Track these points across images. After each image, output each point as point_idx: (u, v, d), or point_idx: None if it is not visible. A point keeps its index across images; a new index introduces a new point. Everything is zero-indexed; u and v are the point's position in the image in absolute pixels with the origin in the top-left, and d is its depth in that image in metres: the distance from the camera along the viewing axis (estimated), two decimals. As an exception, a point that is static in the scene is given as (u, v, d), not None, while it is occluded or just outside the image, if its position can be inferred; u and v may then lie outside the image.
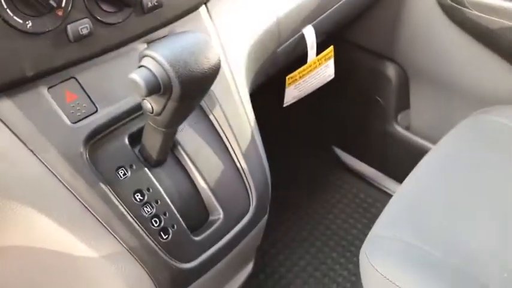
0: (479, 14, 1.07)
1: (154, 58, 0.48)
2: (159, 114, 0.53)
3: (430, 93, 1.33)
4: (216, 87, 0.68)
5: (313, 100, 1.53)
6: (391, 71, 1.35)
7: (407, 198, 0.87)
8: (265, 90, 1.06)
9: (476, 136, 0.98)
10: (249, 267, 0.83)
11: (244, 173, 0.69)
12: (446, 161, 0.93)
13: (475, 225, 0.80)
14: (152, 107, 0.52)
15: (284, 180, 1.46)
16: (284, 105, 0.95)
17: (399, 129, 1.39)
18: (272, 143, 1.02)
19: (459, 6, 1.10)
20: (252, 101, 0.76)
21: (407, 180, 0.91)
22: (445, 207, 0.83)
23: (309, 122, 1.64)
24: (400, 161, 1.38)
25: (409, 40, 1.28)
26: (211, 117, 0.69)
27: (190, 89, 0.50)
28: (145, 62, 0.48)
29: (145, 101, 0.52)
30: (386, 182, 1.50)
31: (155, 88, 0.48)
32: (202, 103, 0.68)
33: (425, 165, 0.93)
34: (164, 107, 0.51)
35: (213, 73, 0.51)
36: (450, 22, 1.15)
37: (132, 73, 0.47)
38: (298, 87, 0.93)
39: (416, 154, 1.05)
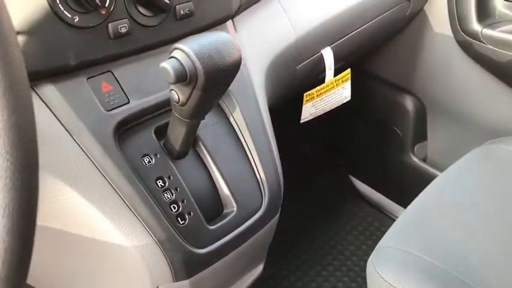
0: (494, 48, 1.12)
1: (183, 50, 0.54)
2: (184, 104, 0.58)
3: (447, 125, 1.36)
4: (237, 92, 0.75)
5: (331, 127, 1.59)
6: (409, 102, 1.39)
7: (415, 214, 0.90)
8: (284, 112, 1.12)
9: (486, 163, 1.01)
10: (259, 269, 0.86)
11: (259, 173, 0.73)
12: (454, 184, 0.96)
13: (481, 241, 0.82)
14: (178, 97, 0.58)
15: (297, 204, 1.50)
16: (301, 121, 1.00)
17: (416, 160, 1.42)
18: (288, 167, 1.07)
19: (475, 41, 1.15)
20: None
21: (415, 200, 0.94)
22: (452, 224, 0.86)
23: (325, 148, 1.68)
24: (417, 192, 1.40)
25: (426, 73, 1.33)
26: (231, 119, 0.74)
27: (213, 80, 0.55)
28: (175, 53, 0.54)
29: (173, 91, 0.58)
30: (401, 213, 1.51)
31: (182, 76, 0.53)
32: (223, 105, 0.74)
33: (433, 188, 0.96)
34: (189, 96, 0.57)
35: (234, 67, 0.56)
36: (466, 56, 1.20)
37: (164, 62, 0.53)
38: (315, 105, 0.98)
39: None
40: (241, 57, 0.57)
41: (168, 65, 0.53)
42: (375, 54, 1.40)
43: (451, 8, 1.18)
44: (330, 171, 1.69)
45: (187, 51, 0.54)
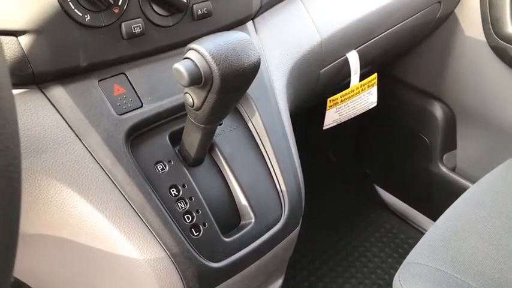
0: (531, 52, 1.06)
1: (198, 51, 0.50)
2: (199, 108, 0.54)
3: (478, 133, 1.30)
4: (256, 97, 0.71)
5: (356, 135, 1.54)
6: (438, 110, 1.33)
7: (445, 229, 0.84)
8: (308, 119, 1.07)
9: None
10: (279, 283, 0.81)
11: (279, 182, 0.69)
12: (485, 197, 0.90)
13: (510, 259, 0.76)
14: (193, 101, 0.54)
15: (320, 213, 1.45)
16: (324, 128, 0.95)
17: (445, 170, 1.36)
18: (312, 175, 1.02)
19: (510, 45, 1.09)
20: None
21: (445, 213, 0.89)
22: (486, 241, 0.80)
23: (351, 156, 1.63)
24: (445, 204, 1.34)
25: (457, 79, 1.27)
26: (249, 124, 0.70)
27: (230, 83, 0.51)
28: (190, 54, 0.51)
29: (187, 94, 0.54)
30: (429, 225, 1.45)
31: (197, 78, 0.50)
32: (242, 110, 0.70)
33: (464, 201, 0.91)
34: (204, 100, 0.53)
35: (252, 70, 0.52)
36: (500, 61, 1.14)
37: (177, 63, 0.50)
38: (339, 111, 0.93)
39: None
40: (260, 59, 0.53)
41: (181, 66, 0.49)
42: (403, 58, 1.34)
43: (484, 11, 1.12)
44: (355, 180, 1.63)
45: (202, 52, 0.50)
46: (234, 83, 0.52)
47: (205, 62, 0.50)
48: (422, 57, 1.32)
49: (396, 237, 1.45)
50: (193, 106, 0.55)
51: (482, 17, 1.14)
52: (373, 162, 1.58)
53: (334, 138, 1.29)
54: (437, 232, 0.84)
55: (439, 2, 1.10)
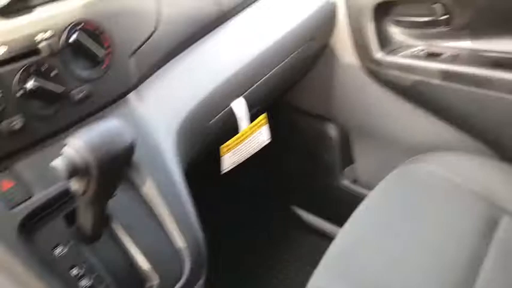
0: (396, 72, 1.19)
1: (72, 146, 0.55)
2: (84, 193, 0.59)
3: (370, 147, 1.43)
4: (146, 163, 0.76)
5: (266, 162, 1.62)
6: (332, 130, 1.45)
7: (342, 248, 0.93)
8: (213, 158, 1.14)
9: (404, 184, 1.06)
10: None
11: (178, 240, 0.74)
12: (375, 209, 1.00)
13: (401, 268, 0.86)
14: (77, 188, 0.59)
15: (241, 240, 1.51)
16: (222, 172, 1.02)
17: (346, 183, 1.47)
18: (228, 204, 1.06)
19: (379, 68, 1.22)
20: (197, 170, 0.83)
21: (343, 231, 0.97)
22: (374, 253, 0.89)
23: (264, 182, 1.72)
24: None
25: (344, 102, 1.39)
26: (143, 190, 0.75)
27: (108, 169, 0.56)
28: (65, 150, 0.55)
29: (71, 183, 0.59)
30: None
31: (74, 172, 0.54)
32: (134, 178, 0.75)
33: (357, 214, 1.00)
34: (87, 186, 0.58)
35: (127, 154, 0.58)
36: (375, 82, 1.27)
37: (54, 161, 0.54)
38: (234, 154, 1.01)
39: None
40: (134, 142, 0.59)
41: (58, 163, 0.54)
42: (295, 88, 1.45)
43: (355, 40, 1.25)
44: (271, 203, 1.72)
45: (76, 147, 0.55)
46: (112, 168, 0.58)
47: (80, 155, 0.55)
48: (311, 86, 1.43)
49: (316, 253, 1.54)
50: (79, 192, 0.59)
51: (354, 46, 1.26)
52: (286, 185, 1.68)
53: (245, 167, 1.36)
54: (334, 253, 0.92)
55: (313, 39, 1.21)
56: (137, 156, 0.67)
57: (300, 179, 1.60)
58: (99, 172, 0.55)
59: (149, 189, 0.75)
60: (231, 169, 1.07)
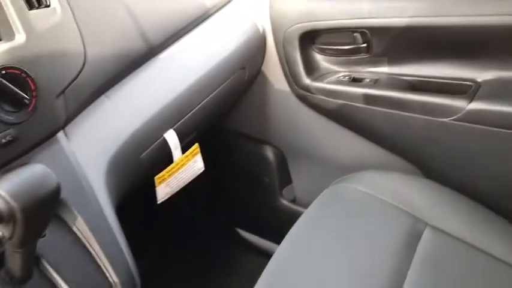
0: (324, 97, 1.26)
1: (-6, 193, 0.57)
2: (10, 238, 0.60)
3: (305, 167, 1.49)
4: (75, 202, 0.77)
5: (207, 185, 1.66)
6: (270, 153, 1.51)
7: (276, 268, 0.97)
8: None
9: (334, 204, 1.11)
10: None
11: (111, 276, 0.76)
12: (306, 229, 1.05)
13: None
14: (3, 233, 0.60)
15: (185, 264, 1.52)
16: (158, 202, 1.05)
17: (286, 202, 1.53)
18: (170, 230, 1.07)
19: (308, 93, 1.29)
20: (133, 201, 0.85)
21: (278, 250, 1.01)
22: (309, 277, 0.93)
23: (205, 205, 1.75)
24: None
25: (279, 124, 1.45)
26: (73, 228, 0.77)
27: (32, 213, 0.58)
28: (-12, 197, 0.57)
29: (-4, 229, 0.60)
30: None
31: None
32: (64, 217, 0.77)
33: (292, 236, 1.05)
34: (13, 232, 0.59)
35: (52, 197, 0.60)
36: (305, 106, 1.33)
37: None
38: (169, 185, 1.03)
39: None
40: (59, 185, 0.61)
41: None
42: (233, 113, 1.50)
43: (284, 68, 1.31)
44: (214, 225, 1.75)
45: (0, 193, 0.57)
46: (37, 212, 0.59)
47: (4, 202, 0.56)
48: (248, 110, 1.48)
49: (257, 273, 1.58)
50: (4, 238, 0.61)
51: (284, 73, 1.32)
52: (228, 206, 1.71)
53: (186, 191, 1.39)
54: (266, 276, 0.96)
55: (244, 68, 1.26)
56: (67, 194, 0.69)
57: (241, 200, 1.64)
58: (24, 218, 0.57)
59: (80, 225, 0.77)
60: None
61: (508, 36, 1.01)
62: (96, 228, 0.78)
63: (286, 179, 1.54)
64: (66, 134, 0.83)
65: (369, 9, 1.12)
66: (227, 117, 1.50)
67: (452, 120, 1.08)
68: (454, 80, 1.14)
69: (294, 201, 1.55)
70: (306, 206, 1.50)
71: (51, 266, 0.73)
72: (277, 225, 1.58)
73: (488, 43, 1.06)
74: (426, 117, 1.12)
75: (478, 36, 1.05)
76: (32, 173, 0.60)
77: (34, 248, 0.67)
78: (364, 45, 1.21)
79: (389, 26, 1.12)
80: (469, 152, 1.12)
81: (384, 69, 1.23)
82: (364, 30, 1.17)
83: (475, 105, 1.05)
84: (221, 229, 1.73)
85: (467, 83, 1.12)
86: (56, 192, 0.61)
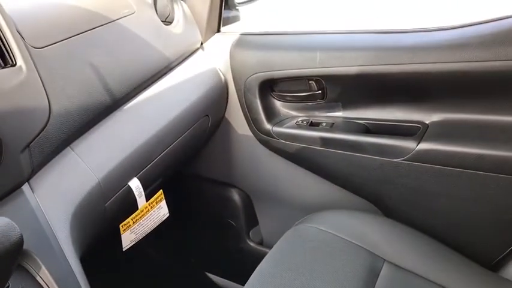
0: (284, 141, 1.32)
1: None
2: (-28, 291, 0.62)
3: (270, 209, 1.53)
4: (40, 252, 0.79)
5: (174, 230, 1.67)
6: (235, 195, 1.55)
7: None
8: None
9: (297, 243, 1.15)
10: None
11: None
12: (273, 271, 1.08)
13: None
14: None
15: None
16: (124, 249, 1.07)
17: (253, 245, 1.56)
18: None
19: (269, 138, 1.35)
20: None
21: None
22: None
23: (172, 249, 1.76)
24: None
25: (243, 168, 1.50)
26: (38, 279, 0.78)
27: (-4, 266, 0.61)
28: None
29: (-42, 282, 0.62)
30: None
31: None
32: (28, 267, 0.78)
33: (256, 278, 1.07)
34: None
35: (14, 249, 0.63)
36: (267, 150, 1.39)
37: None
38: (134, 231, 1.06)
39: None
40: (21, 237, 0.63)
41: None
42: (198, 158, 1.54)
43: (246, 114, 1.37)
44: (183, 270, 1.75)
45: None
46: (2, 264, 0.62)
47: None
48: (213, 154, 1.53)
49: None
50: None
51: (246, 119, 1.39)
52: (196, 251, 1.73)
53: (151, 239, 1.41)
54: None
55: (207, 115, 1.32)
56: (31, 245, 0.71)
57: (208, 244, 1.67)
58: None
59: (44, 275, 0.78)
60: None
61: (448, 81, 1.10)
62: (61, 277, 0.79)
63: (252, 221, 1.57)
64: (30, 186, 0.86)
65: (320, 59, 1.20)
66: (193, 162, 1.55)
67: (404, 160, 1.15)
68: (404, 123, 1.22)
69: (261, 243, 1.58)
70: (272, 247, 1.54)
71: (15, 318, 0.74)
72: (246, 267, 1.60)
73: (430, 88, 1.15)
74: (380, 158, 1.19)
75: (418, 82, 1.13)
76: (-4, 226, 0.62)
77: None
78: (319, 92, 1.28)
79: (340, 74, 1.20)
80: (422, 190, 1.18)
81: (339, 113, 1.30)
82: (318, 78, 1.25)
83: (424, 146, 1.12)
84: (190, 273, 1.74)
85: (416, 125, 1.20)
86: (19, 244, 0.63)
